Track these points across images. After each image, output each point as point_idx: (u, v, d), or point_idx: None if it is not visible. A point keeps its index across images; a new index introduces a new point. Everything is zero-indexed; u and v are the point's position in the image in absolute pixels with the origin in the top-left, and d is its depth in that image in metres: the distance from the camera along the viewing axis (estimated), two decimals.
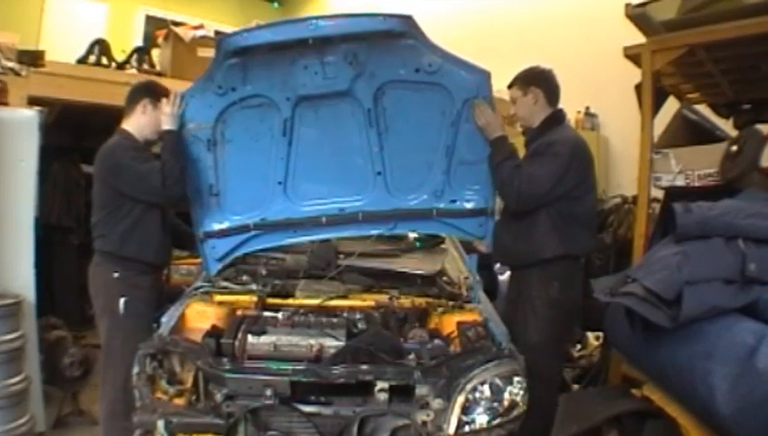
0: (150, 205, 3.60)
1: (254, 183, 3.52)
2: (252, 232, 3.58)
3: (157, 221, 3.65)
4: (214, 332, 2.90)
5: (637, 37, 3.70)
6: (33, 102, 4.66)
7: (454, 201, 3.58)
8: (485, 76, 3.31)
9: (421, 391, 2.72)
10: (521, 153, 3.56)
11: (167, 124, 3.43)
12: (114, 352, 3.56)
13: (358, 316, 3.13)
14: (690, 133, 3.82)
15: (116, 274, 3.58)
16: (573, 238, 3.44)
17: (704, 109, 4.29)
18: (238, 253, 3.68)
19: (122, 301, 3.52)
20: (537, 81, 3.59)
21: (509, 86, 3.69)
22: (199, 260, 3.98)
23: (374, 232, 3.68)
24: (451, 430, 2.68)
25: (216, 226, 3.59)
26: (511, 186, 3.36)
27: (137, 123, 3.67)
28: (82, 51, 5.75)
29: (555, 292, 3.41)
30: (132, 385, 3.13)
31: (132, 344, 3.38)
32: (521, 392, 2.74)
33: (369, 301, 3.30)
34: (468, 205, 3.58)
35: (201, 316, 3.15)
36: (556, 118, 3.61)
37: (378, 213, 3.58)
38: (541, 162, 3.40)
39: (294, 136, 3.43)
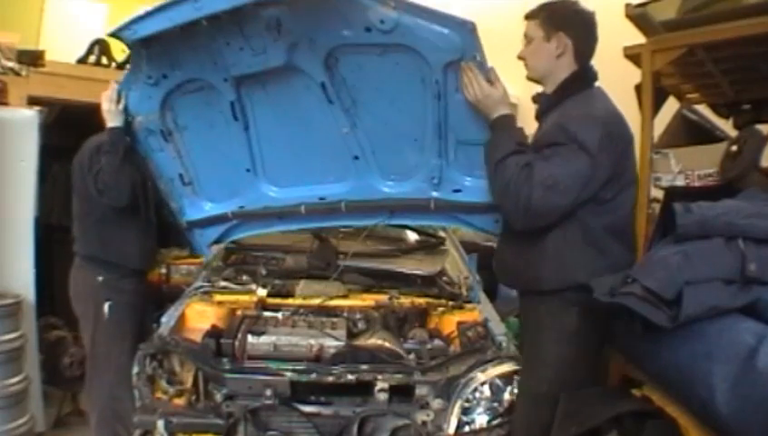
0: (124, 208, 3.53)
1: (224, 170, 3.37)
2: (234, 221, 3.52)
3: (136, 223, 3.63)
4: (214, 332, 2.91)
5: (637, 37, 3.69)
6: (33, 102, 4.66)
7: (458, 190, 3.04)
8: (467, 30, 2.53)
9: (421, 391, 2.73)
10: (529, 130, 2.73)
11: (109, 121, 3.32)
12: (100, 358, 3.60)
13: (358, 316, 3.14)
14: (690, 133, 3.81)
15: (100, 278, 3.58)
16: (600, 258, 2.57)
17: (703, 109, 4.28)
18: (228, 239, 3.66)
19: (106, 305, 3.54)
20: (570, 24, 2.59)
21: (527, 17, 2.69)
22: (199, 259, 3.99)
23: (366, 223, 3.44)
24: (451, 430, 2.69)
25: (198, 215, 3.56)
26: (517, 197, 2.44)
27: None
28: (82, 51, 5.74)
29: (574, 323, 2.59)
30: (122, 389, 3.18)
31: (117, 349, 3.47)
32: None
33: (368, 301, 3.31)
34: (475, 198, 2.98)
35: (200, 316, 3.16)
36: (582, 79, 2.63)
37: (364, 202, 3.23)
38: (561, 157, 2.45)
39: (250, 120, 3.14)
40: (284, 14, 2.64)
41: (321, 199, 3.28)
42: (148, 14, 2.70)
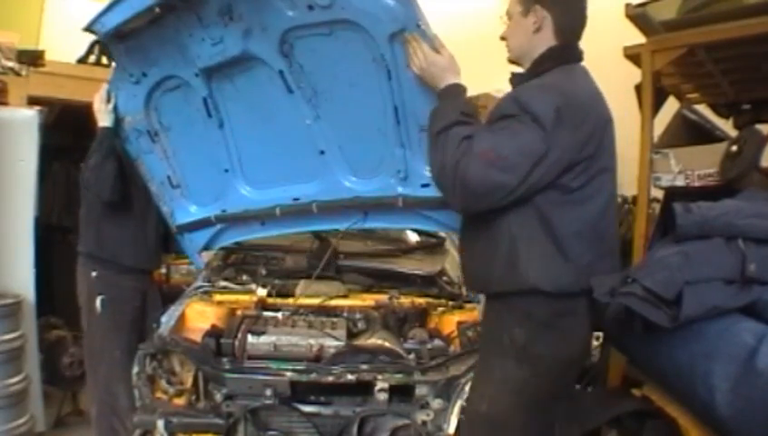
0: (119, 207, 3.60)
1: (207, 172, 3.36)
2: (218, 226, 3.51)
3: (132, 222, 3.68)
4: (214, 332, 2.91)
5: (637, 37, 3.70)
6: (33, 101, 4.67)
7: (425, 185, 2.77)
8: None
9: (421, 391, 2.72)
10: None
11: (99, 121, 3.40)
12: (95, 352, 3.66)
13: (358, 316, 3.13)
14: (690, 133, 3.81)
15: (94, 273, 3.64)
16: (560, 259, 2.23)
17: (704, 109, 4.28)
18: (216, 246, 3.67)
19: (98, 299, 3.58)
20: None
21: None
22: None
23: (339, 226, 3.31)
24: (451, 430, 2.69)
25: (186, 219, 3.56)
26: (454, 172, 2.14)
27: None
28: (82, 51, 5.75)
29: (522, 336, 2.23)
30: (117, 383, 3.22)
31: (111, 344, 3.53)
32: None
33: (368, 301, 3.30)
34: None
35: (201, 316, 3.15)
36: (559, 55, 2.35)
37: (336, 202, 3.09)
38: (509, 130, 2.16)
39: (224, 116, 3.12)
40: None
41: (295, 200, 3.20)
42: (111, 5, 2.73)
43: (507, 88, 2.44)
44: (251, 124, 3.11)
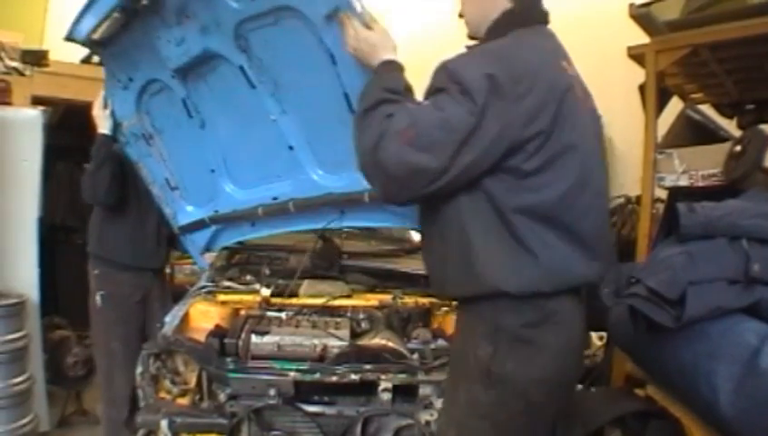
0: (116, 209, 3.75)
1: (198, 173, 3.38)
2: (213, 227, 3.55)
3: (130, 223, 3.79)
4: (218, 332, 2.90)
5: (641, 37, 3.69)
6: (36, 101, 4.69)
7: None
8: None
9: (425, 390, 2.72)
10: None
11: (98, 126, 3.51)
12: (99, 346, 3.81)
13: (361, 316, 3.13)
14: (694, 133, 3.81)
15: (96, 272, 3.78)
16: (523, 254, 1.89)
17: (707, 109, 4.28)
18: (216, 246, 3.69)
19: (98, 294, 3.72)
20: None
21: None
22: None
23: (315, 226, 3.25)
24: None
25: (186, 220, 3.60)
26: (373, 156, 1.88)
27: None
28: (85, 51, 5.75)
29: (487, 350, 1.93)
30: (113, 374, 3.44)
31: (107, 337, 3.70)
32: None
33: (372, 300, 3.30)
34: None
35: (204, 316, 3.15)
36: (512, 20, 2.06)
37: (311, 200, 3.03)
38: (435, 105, 1.87)
39: (204, 116, 3.14)
40: None
41: (274, 199, 3.17)
42: (80, 14, 2.82)
43: None
44: (228, 123, 3.12)
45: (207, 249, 3.73)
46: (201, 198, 3.50)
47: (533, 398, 1.94)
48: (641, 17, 3.55)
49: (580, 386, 4.87)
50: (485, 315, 1.94)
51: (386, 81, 2.03)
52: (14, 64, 4.79)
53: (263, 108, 2.88)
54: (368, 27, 2.19)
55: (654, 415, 3.05)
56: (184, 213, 3.57)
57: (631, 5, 3.57)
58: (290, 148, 2.94)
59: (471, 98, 1.81)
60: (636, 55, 3.73)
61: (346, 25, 2.22)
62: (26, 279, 4.35)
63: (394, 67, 2.09)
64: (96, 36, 2.91)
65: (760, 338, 2.37)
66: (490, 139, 1.82)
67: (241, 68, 2.80)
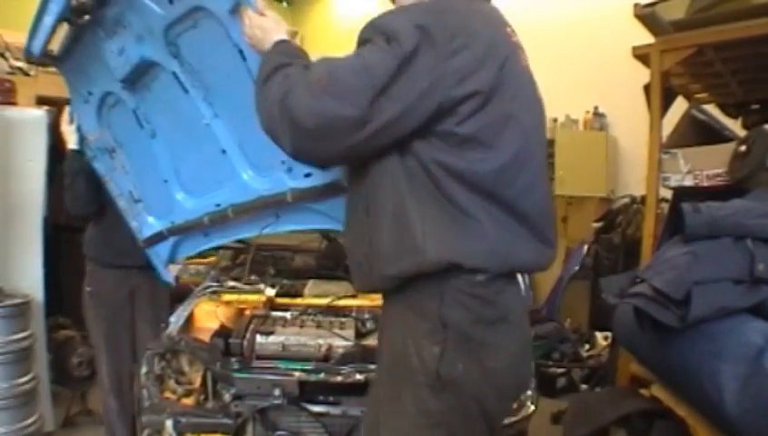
0: (97, 212, 3.83)
1: (155, 185, 3.35)
2: (171, 239, 3.53)
3: (108, 224, 3.82)
4: (223, 332, 2.90)
5: (646, 37, 3.69)
6: (41, 101, 4.68)
7: (308, 175, 2.59)
8: None
9: None
10: None
11: (67, 142, 3.58)
12: (92, 339, 3.93)
13: (366, 316, 3.13)
14: (698, 133, 3.81)
15: (87, 269, 3.88)
16: (461, 226, 1.70)
17: (712, 109, 4.28)
18: (179, 257, 3.71)
19: (87, 290, 3.80)
20: None
21: None
22: (207, 259, 4.00)
23: (254, 232, 3.14)
24: None
25: (149, 233, 3.59)
26: (281, 110, 1.69)
27: None
28: None
29: (433, 360, 1.71)
30: (99, 364, 3.62)
31: (93, 330, 3.83)
32: (529, 392, 2.74)
33: (377, 300, 3.30)
34: (327, 179, 2.51)
35: (209, 316, 3.15)
36: None
37: (245, 205, 2.95)
38: (357, 55, 1.72)
39: (155, 126, 3.13)
40: (115, 7, 2.67)
41: (218, 205, 3.08)
42: (32, 29, 2.93)
43: None
44: (173, 131, 3.10)
45: (171, 261, 3.73)
46: (160, 210, 3.47)
47: (488, 405, 1.79)
48: (646, 17, 3.55)
49: (585, 386, 4.89)
50: (427, 309, 1.73)
51: (282, 50, 1.90)
52: (19, 64, 4.79)
53: (197, 113, 2.82)
54: (260, 13, 2.11)
55: (658, 415, 3.05)
56: (147, 225, 3.56)
57: (636, 5, 3.57)
58: (223, 152, 2.86)
59: (398, 44, 1.64)
60: (641, 55, 3.74)
61: (242, 16, 2.15)
62: (31, 279, 4.35)
63: (289, 45, 1.94)
64: (53, 51, 3.00)
65: (765, 338, 2.37)
66: (418, 92, 1.64)
67: (174, 74, 2.77)
